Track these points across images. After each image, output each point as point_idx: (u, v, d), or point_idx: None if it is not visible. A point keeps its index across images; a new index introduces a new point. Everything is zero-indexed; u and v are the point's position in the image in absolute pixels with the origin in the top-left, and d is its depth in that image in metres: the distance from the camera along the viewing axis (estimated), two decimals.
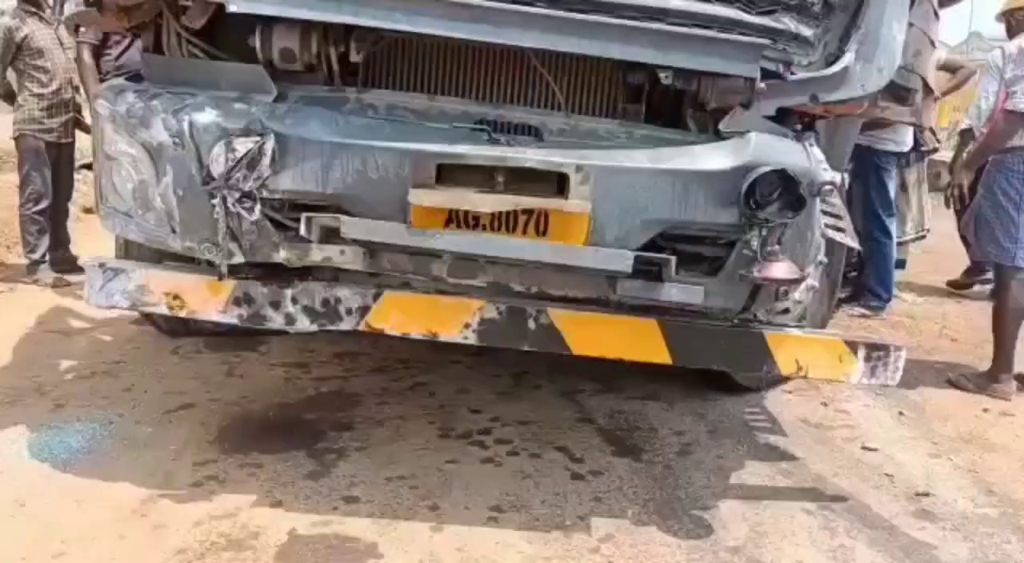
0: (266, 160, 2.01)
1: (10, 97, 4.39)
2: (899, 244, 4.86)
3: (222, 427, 2.75)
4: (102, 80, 4.02)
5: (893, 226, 4.43)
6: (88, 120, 4.33)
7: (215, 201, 2.02)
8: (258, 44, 2.06)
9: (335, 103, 2.12)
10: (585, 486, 2.49)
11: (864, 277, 4.65)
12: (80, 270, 4.52)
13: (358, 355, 3.39)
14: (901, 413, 3.23)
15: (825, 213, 2.50)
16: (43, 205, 4.44)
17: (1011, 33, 3.84)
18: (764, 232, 2.06)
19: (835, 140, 2.66)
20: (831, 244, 2.44)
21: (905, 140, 4.42)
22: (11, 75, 4.36)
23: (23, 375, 3.10)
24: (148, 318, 3.50)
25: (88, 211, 5.76)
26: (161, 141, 2.08)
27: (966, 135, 4.88)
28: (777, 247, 2.07)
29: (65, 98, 4.37)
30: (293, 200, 2.08)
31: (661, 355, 2.26)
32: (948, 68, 4.78)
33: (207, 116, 2.04)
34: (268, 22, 2.02)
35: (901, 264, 5.00)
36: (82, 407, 2.84)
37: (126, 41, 4.09)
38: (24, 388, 2.98)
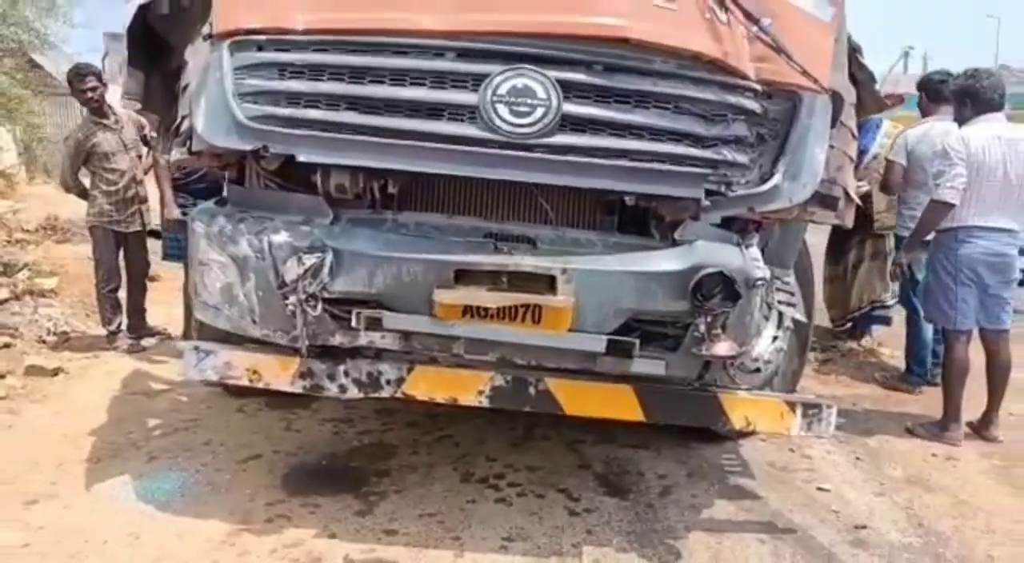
0: (326, 269, 2.62)
1: (84, 195, 5.11)
2: (885, 307, 5.40)
3: (285, 474, 3.36)
4: (175, 178, 4.74)
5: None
6: (152, 213, 5.10)
7: (289, 301, 2.65)
8: (319, 180, 2.70)
9: (377, 223, 2.74)
10: (580, 521, 3.05)
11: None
12: (152, 335, 5.27)
13: (394, 411, 3.99)
14: (858, 458, 3.74)
15: (779, 290, 3.09)
16: (114, 284, 5.13)
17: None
18: (709, 319, 2.64)
19: (786, 238, 3.21)
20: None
21: None
22: (84, 175, 5.11)
23: (119, 432, 3.76)
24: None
25: (152, 279, 6.50)
26: (246, 254, 2.71)
27: None
28: (720, 331, 2.66)
29: (130, 195, 5.05)
30: (346, 298, 2.71)
31: (636, 414, 2.83)
32: None
33: (281, 237, 2.67)
34: (326, 165, 2.67)
35: (887, 321, 5.52)
36: (171, 459, 3.48)
37: None
38: (122, 444, 3.63)
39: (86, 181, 5.13)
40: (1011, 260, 3.78)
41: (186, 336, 4.75)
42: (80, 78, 4.85)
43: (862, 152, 5.30)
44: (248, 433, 3.77)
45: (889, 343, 5.51)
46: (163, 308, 5.60)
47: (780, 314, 3.02)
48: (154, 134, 4.45)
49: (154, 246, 5.30)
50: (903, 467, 3.66)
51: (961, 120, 3.88)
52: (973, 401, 4.03)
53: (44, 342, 5.10)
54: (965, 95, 3.84)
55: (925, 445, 3.90)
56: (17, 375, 4.41)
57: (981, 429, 4.00)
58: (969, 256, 3.76)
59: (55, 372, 4.53)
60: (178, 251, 4.85)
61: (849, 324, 5.52)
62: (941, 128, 4.30)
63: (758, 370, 3.07)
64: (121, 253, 5.14)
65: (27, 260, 6.33)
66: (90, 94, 4.85)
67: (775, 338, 3.00)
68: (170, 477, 3.30)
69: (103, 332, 5.20)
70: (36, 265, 6.33)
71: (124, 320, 5.20)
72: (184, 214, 4.70)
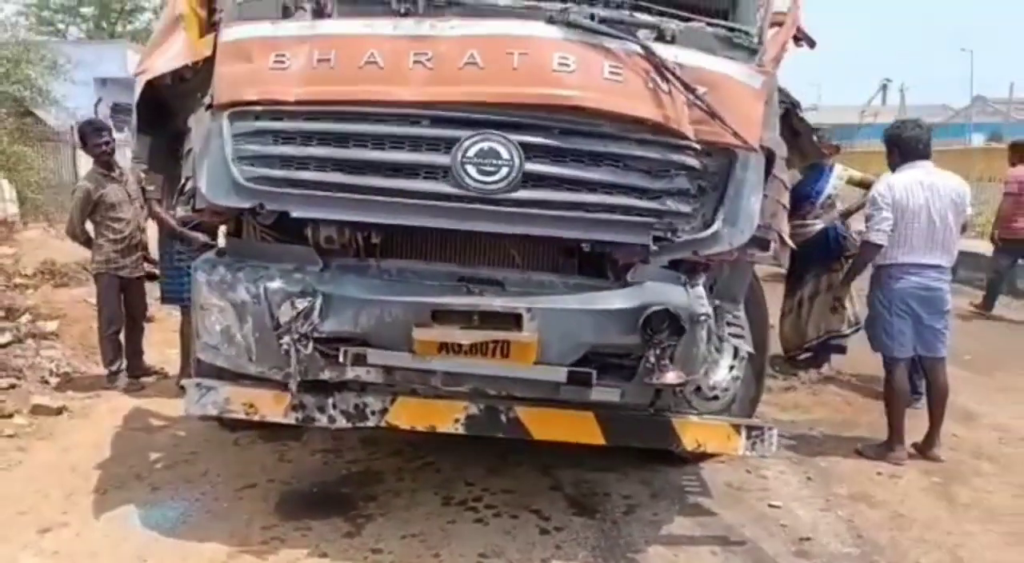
0: (316, 312, 2.94)
1: (88, 243, 5.39)
2: (840, 336, 5.75)
3: (278, 501, 3.64)
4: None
5: None
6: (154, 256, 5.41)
7: (283, 341, 2.96)
8: (310, 233, 3.04)
9: (362, 270, 3.06)
10: (550, 538, 3.34)
11: None
12: (149, 374, 5.54)
13: (379, 441, 4.26)
14: (809, 477, 4.05)
15: (730, 324, 3.42)
16: (116, 327, 5.39)
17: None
18: (658, 351, 2.96)
19: (734, 276, 3.53)
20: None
21: None
22: (88, 226, 5.41)
23: (123, 465, 4.02)
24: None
25: (148, 320, 6.77)
26: (244, 299, 3.03)
27: None
28: (668, 361, 2.98)
29: (134, 242, 5.33)
30: (334, 337, 3.02)
31: (597, 438, 3.15)
32: (863, 184, 5.73)
33: (276, 283, 2.99)
34: (316, 220, 3.00)
35: (842, 349, 5.87)
36: (173, 489, 3.74)
37: None
38: (126, 476, 3.90)
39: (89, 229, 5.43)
40: (942, 294, 4.14)
41: (183, 373, 5.05)
42: (97, 133, 5.21)
43: (817, 193, 5.74)
44: (243, 464, 4.04)
45: (847, 370, 5.85)
46: (158, 348, 5.89)
47: (735, 347, 3.34)
48: (151, 187, 4.77)
49: (151, 289, 5.61)
50: (849, 485, 3.97)
51: (892, 166, 4.28)
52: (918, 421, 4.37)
53: (48, 383, 5.34)
54: (893, 144, 4.24)
55: (872, 465, 4.21)
56: (24, 414, 4.67)
57: (925, 449, 4.32)
58: (902, 290, 4.12)
59: (60, 411, 4.79)
60: (175, 295, 5.15)
61: (808, 354, 5.86)
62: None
63: (716, 398, 3.38)
64: (121, 297, 5.41)
65: (28, 304, 6.59)
66: (103, 148, 5.19)
67: (731, 367, 3.33)
68: (173, 505, 3.57)
69: (103, 372, 5.45)
70: (36, 309, 6.59)
71: (124, 361, 5.47)
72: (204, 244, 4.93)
